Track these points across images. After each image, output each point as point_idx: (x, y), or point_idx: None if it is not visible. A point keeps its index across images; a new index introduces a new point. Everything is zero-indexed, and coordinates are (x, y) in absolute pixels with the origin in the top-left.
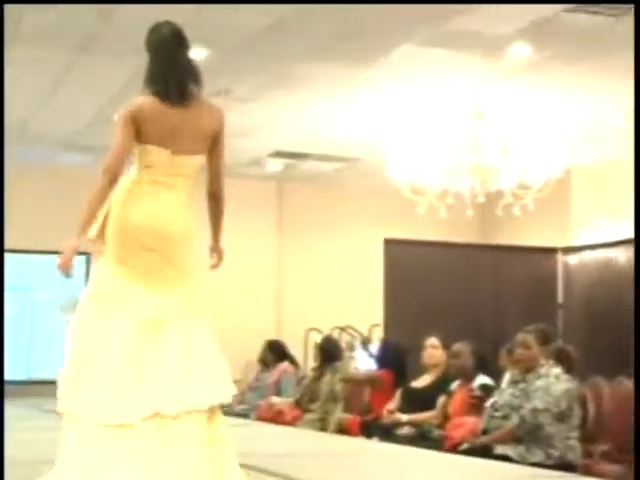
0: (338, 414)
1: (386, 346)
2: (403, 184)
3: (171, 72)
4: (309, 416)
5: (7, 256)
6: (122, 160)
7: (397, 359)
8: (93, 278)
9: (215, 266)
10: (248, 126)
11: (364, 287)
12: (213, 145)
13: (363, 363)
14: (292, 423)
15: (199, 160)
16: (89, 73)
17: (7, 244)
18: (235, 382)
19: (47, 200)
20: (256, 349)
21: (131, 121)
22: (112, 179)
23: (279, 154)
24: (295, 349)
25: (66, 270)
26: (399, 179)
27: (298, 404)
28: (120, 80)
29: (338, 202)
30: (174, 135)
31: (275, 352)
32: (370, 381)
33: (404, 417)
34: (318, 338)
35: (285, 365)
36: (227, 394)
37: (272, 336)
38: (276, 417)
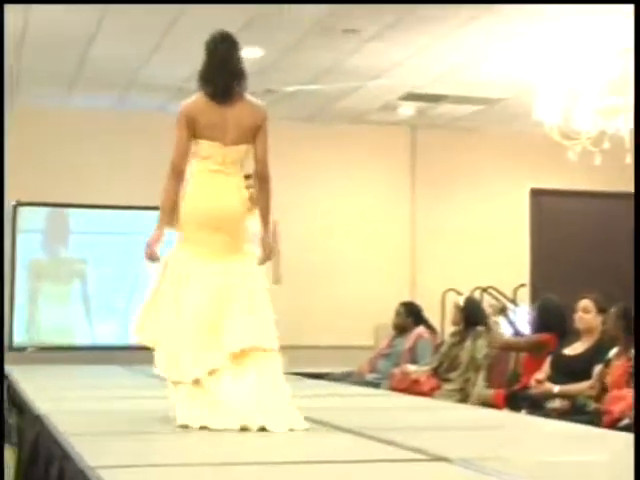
0: (480, 384)
1: (546, 304)
2: (552, 127)
3: (219, 75)
4: (448, 386)
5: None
6: (184, 156)
7: (560, 320)
8: (170, 260)
9: (264, 260)
10: (377, 67)
11: (508, 244)
12: (257, 135)
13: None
14: (429, 394)
15: (245, 148)
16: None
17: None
18: (366, 348)
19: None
20: (388, 313)
21: (185, 121)
22: (178, 173)
23: (412, 97)
24: (431, 312)
25: (152, 259)
26: (548, 121)
27: (435, 373)
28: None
29: (478, 149)
30: (222, 129)
31: (410, 315)
32: (530, 347)
33: (556, 388)
34: (456, 300)
35: (421, 330)
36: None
37: (406, 298)
38: (411, 387)
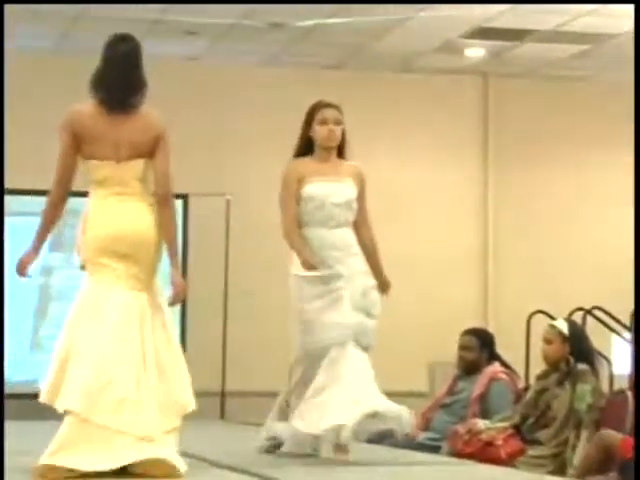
0: (583, 447)
1: None
2: None
3: (116, 81)
4: (535, 450)
5: None
6: (68, 170)
7: None
8: (81, 291)
9: (173, 302)
10: None
11: (623, 243)
12: (155, 151)
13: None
14: (508, 461)
15: (143, 163)
16: None
17: None
18: (417, 395)
19: None
20: (448, 345)
21: (71, 130)
22: (64, 190)
23: (482, 34)
24: (511, 342)
25: (23, 274)
26: None
27: (517, 430)
28: None
29: (578, 108)
30: (113, 144)
31: (483, 348)
32: None
33: None
34: (554, 325)
35: (496, 368)
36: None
37: (476, 323)
38: (482, 450)
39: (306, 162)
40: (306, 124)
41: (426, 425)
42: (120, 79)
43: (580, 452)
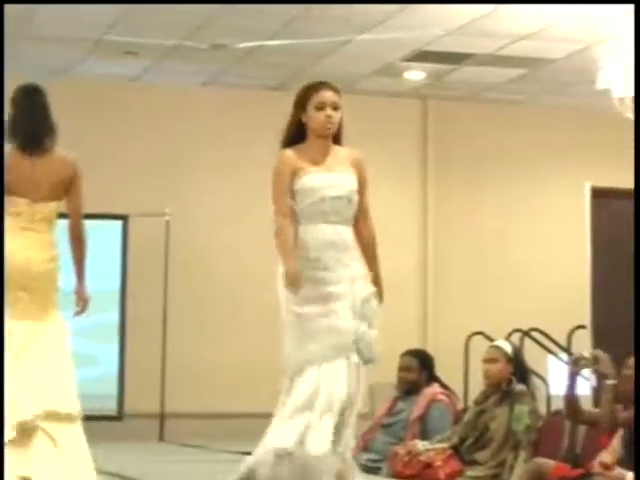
0: (521, 467)
1: None
2: (623, 99)
3: (27, 126)
4: (474, 471)
5: None
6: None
7: None
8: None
9: (79, 313)
10: (376, 14)
11: (560, 265)
12: (68, 191)
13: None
14: None
15: (55, 205)
16: None
17: None
18: (360, 417)
19: None
20: (389, 366)
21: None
22: None
23: (422, 57)
24: (450, 363)
25: None
26: (616, 91)
27: (456, 451)
28: None
29: (514, 131)
30: (33, 184)
31: (423, 369)
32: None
33: (629, 476)
34: (485, 347)
35: (435, 389)
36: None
37: (414, 343)
38: (422, 472)
39: (299, 151)
40: (299, 108)
41: (366, 446)
42: (33, 127)
43: (518, 473)
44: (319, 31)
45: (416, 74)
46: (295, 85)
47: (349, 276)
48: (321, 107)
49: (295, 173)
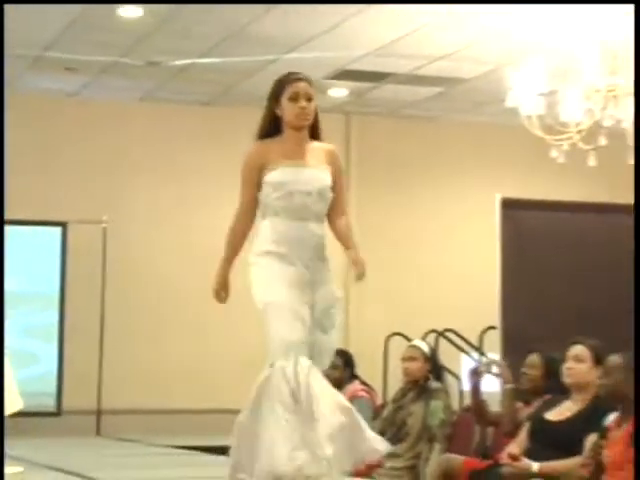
0: (435, 460)
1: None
2: (531, 117)
3: None
4: (392, 463)
5: None
6: None
7: (555, 378)
8: None
9: None
10: (301, 35)
11: (470, 272)
12: None
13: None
14: (367, 474)
15: None
16: None
17: None
18: None
19: None
20: None
21: None
22: None
23: (345, 75)
24: (370, 362)
25: None
26: (525, 109)
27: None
28: None
29: (432, 145)
30: None
31: (346, 367)
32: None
33: (535, 466)
34: (404, 347)
35: (356, 387)
36: None
37: (337, 345)
38: None
39: (271, 144)
40: (273, 100)
41: None
42: None
43: (432, 464)
44: (248, 51)
45: (340, 91)
46: (225, 101)
47: (315, 279)
48: (295, 98)
49: (264, 166)
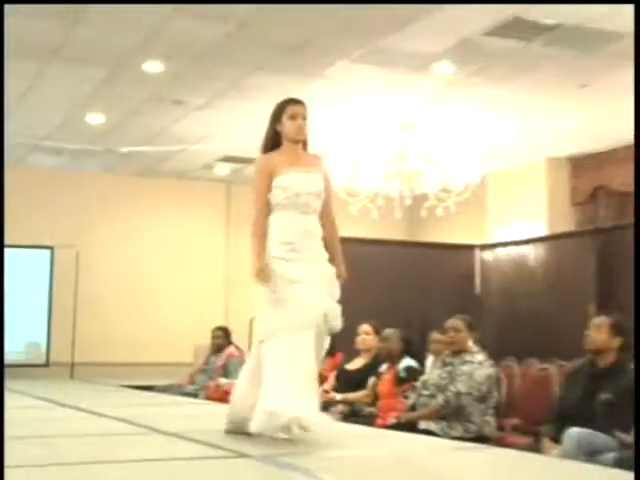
0: None
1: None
2: (339, 187)
3: None
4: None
5: None
6: None
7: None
8: None
9: None
10: (200, 134)
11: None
12: None
13: None
14: None
15: None
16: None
17: None
18: (186, 365)
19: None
20: (205, 336)
21: None
22: None
23: (227, 159)
24: (240, 335)
25: None
26: (336, 182)
27: None
28: (83, 91)
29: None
30: None
31: (224, 337)
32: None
33: (338, 396)
34: None
35: (232, 349)
36: None
37: (221, 322)
38: (223, 397)
39: (274, 155)
40: (275, 119)
41: (192, 382)
42: None
43: None
44: (168, 143)
45: (223, 169)
46: (152, 174)
47: (315, 258)
48: (294, 117)
49: (273, 173)
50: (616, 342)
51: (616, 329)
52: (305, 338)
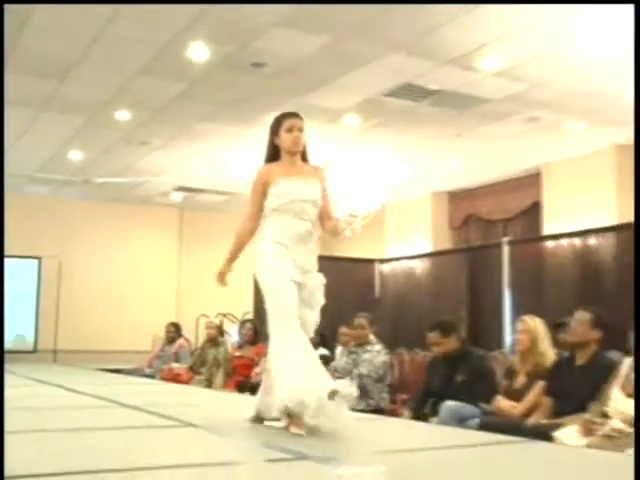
0: (220, 376)
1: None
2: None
3: None
4: (199, 377)
5: None
6: None
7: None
8: None
9: None
10: (160, 168)
11: (240, 288)
12: None
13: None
14: (187, 382)
15: None
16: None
17: None
18: (145, 352)
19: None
20: (160, 329)
21: None
22: None
23: (182, 189)
24: (189, 329)
25: None
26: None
27: (191, 369)
28: (67, 132)
29: (224, 224)
30: None
31: (175, 330)
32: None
33: None
34: (211, 321)
35: (182, 340)
36: None
37: (173, 319)
38: (175, 378)
39: (273, 166)
40: (273, 133)
41: (150, 366)
42: None
43: (219, 378)
44: (135, 175)
45: (177, 196)
46: (123, 199)
47: (303, 266)
48: (290, 130)
49: (269, 182)
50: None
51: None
52: (294, 331)
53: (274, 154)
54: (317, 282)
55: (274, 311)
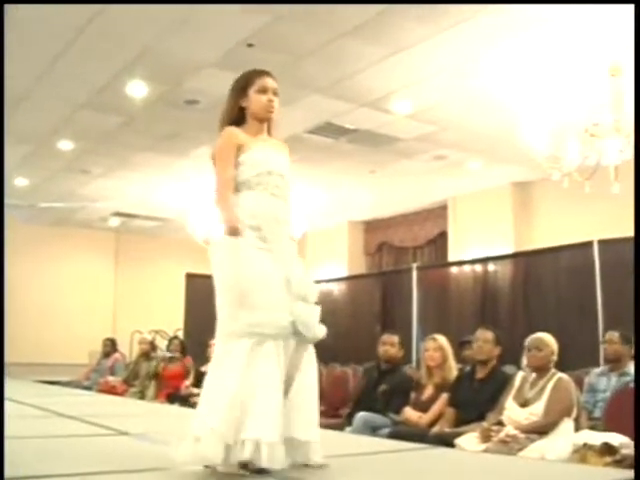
0: (152, 389)
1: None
2: (198, 236)
3: None
4: (133, 390)
5: None
6: None
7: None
8: None
9: None
10: (99, 194)
11: (171, 305)
12: None
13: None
14: (121, 394)
15: None
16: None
17: None
18: (83, 365)
19: None
20: (97, 344)
21: None
22: None
23: (118, 214)
24: (124, 344)
25: None
26: (196, 233)
27: (125, 381)
28: (14, 160)
29: (156, 247)
30: None
31: (111, 345)
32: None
33: (196, 390)
34: (144, 337)
35: (117, 354)
36: None
37: (109, 335)
38: (110, 390)
39: (241, 131)
40: (240, 92)
41: (87, 378)
42: None
43: (150, 390)
44: (76, 200)
45: (114, 221)
46: (62, 224)
47: (284, 252)
48: (263, 91)
49: (240, 147)
50: (398, 350)
51: (400, 343)
52: (263, 351)
53: (240, 118)
54: (301, 272)
55: (248, 320)
